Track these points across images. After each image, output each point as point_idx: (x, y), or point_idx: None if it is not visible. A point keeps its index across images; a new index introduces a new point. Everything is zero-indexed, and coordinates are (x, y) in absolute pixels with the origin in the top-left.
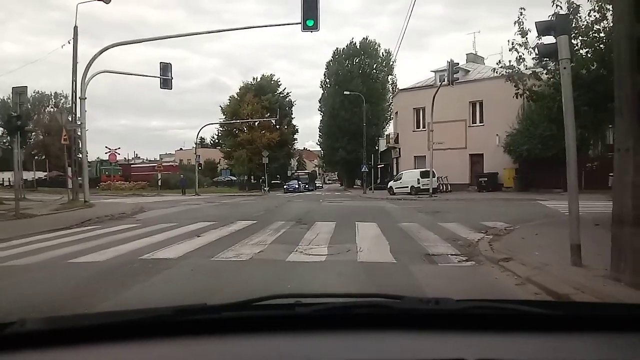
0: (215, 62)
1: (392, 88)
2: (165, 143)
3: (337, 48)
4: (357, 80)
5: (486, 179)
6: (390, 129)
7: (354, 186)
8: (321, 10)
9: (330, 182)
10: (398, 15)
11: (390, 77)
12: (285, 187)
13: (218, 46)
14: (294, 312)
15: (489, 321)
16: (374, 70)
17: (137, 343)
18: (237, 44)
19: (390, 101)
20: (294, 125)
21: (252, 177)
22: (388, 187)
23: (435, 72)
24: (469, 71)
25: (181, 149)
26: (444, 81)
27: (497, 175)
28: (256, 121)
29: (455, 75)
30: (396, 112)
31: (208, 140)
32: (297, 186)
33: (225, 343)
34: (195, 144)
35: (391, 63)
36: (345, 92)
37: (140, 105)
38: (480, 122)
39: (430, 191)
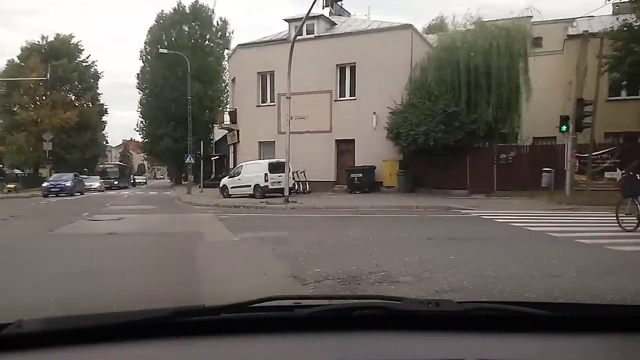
0: None
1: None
2: None
3: (161, 11)
4: (187, 52)
5: (360, 175)
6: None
7: (185, 182)
8: None
9: (161, 177)
10: None
11: (227, 51)
12: (45, 185)
13: None
14: (293, 314)
15: (488, 322)
16: (208, 42)
17: (135, 344)
18: None
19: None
20: (102, 105)
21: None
22: (220, 185)
23: (289, 21)
24: (337, 24)
25: None
26: (301, 34)
27: (374, 171)
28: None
29: (317, 27)
30: (233, 79)
31: None
32: (68, 184)
33: (224, 344)
34: None
35: (228, 35)
36: (161, 51)
37: None
38: (351, 95)
39: (286, 193)
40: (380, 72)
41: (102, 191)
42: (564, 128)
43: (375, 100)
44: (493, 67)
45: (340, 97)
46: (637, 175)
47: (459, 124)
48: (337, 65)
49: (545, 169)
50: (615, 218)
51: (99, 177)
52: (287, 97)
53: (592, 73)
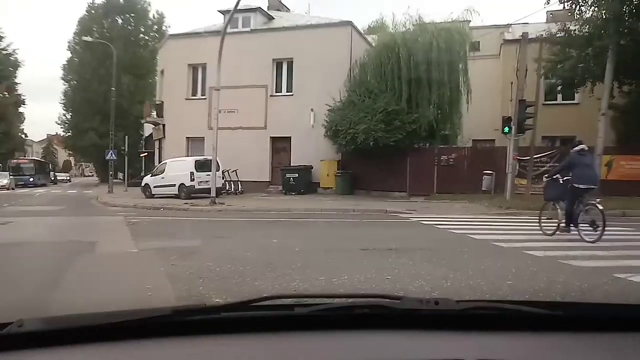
0: None
1: None
2: None
3: (92, 1)
4: (118, 44)
5: (296, 175)
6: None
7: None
8: None
9: (90, 174)
10: None
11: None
12: None
13: None
14: (293, 313)
15: (488, 321)
16: (142, 35)
17: (135, 343)
18: None
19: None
20: (19, 95)
21: None
22: (142, 184)
23: (224, 12)
24: (274, 19)
25: None
26: (237, 27)
27: (311, 171)
28: None
29: (254, 20)
30: (162, 71)
31: None
32: None
33: (225, 343)
34: None
35: (165, 28)
36: (85, 39)
37: None
38: (288, 91)
39: (213, 194)
40: (318, 69)
41: (12, 189)
42: (506, 129)
43: (313, 97)
44: (434, 66)
45: (276, 92)
46: (560, 179)
47: (399, 123)
48: (273, 60)
49: (486, 171)
50: (538, 222)
51: (7, 173)
52: (215, 89)
53: (530, 76)
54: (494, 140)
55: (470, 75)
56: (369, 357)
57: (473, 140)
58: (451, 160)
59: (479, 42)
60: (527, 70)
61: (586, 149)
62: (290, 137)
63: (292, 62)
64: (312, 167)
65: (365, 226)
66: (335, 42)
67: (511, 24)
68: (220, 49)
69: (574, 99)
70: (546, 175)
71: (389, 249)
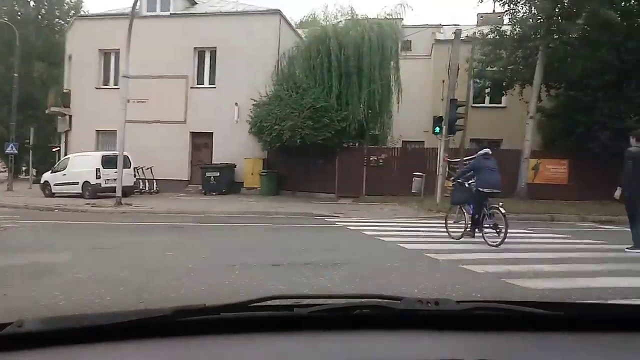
0: None
1: None
2: None
3: None
4: (29, 28)
5: (217, 173)
6: None
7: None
8: None
9: (4, 169)
10: None
11: None
12: None
13: None
14: (293, 313)
15: (488, 322)
16: (58, 20)
17: (135, 343)
18: None
19: None
20: None
21: None
22: (42, 182)
23: None
24: (197, 4)
25: None
26: (154, 10)
27: (234, 170)
28: None
29: (174, 4)
30: (69, 56)
31: None
32: None
33: (224, 343)
34: None
35: (84, 13)
36: None
37: None
38: (211, 83)
39: (119, 194)
40: (244, 60)
41: None
42: (437, 129)
43: (238, 90)
44: (365, 62)
45: (198, 84)
46: (465, 182)
47: (328, 120)
48: (195, 48)
49: (416, 173)
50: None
51: None
52: (124, 77)
53: (461, 77)
54: (424, 142)
55: (401, 75)
56: (369, 358)
57: (403, 141)
58: (381, 161)
59: (410, 41)
60: (458, 69)
61: (490, 152)
62: (212, 132)
63: (215, 51)
64: (235, 166)
65: (285, 232)
66: (263, 31)
67: (443, 25)
68: (129, 31)
69: (501, 103)
70: (452, 179)
71: (306, 264)
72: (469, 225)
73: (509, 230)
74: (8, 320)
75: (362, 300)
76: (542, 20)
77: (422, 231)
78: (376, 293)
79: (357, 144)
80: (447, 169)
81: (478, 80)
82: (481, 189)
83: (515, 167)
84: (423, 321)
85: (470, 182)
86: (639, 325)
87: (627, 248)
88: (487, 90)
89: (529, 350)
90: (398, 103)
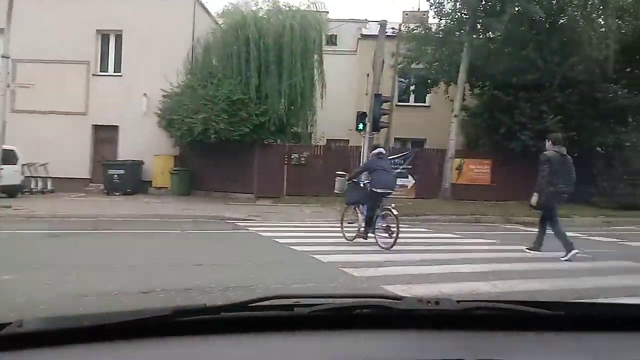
0: None
1: None
2: None
3: None
4: None
5: (122, 171)
6: None
7: None
8: None
9: None
10: None
11: None
12: None
13: None
14: (293, 313)
15: (489, 321)
16: None
17: (135, 343)
18: None
19: None
20: None
21: None
22: None
23: None
24: None
25: None
26: None
27: (141, 167)
28: None
29: None
30: None
31: None
32: None
33: (224, 343)
34: None
35: None
36: None
37: None
38: (115, 71)
39: None
40: (154, 46)
41: None
42: (360, 126)
43: (147, 80)
44: (286, 53)
45: (101, 71)
46: (360, 182)
47: (246, 114)
48: (98, 31)
49: (339, 172)
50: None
51: None
52: (3, 56)
53: (387, 73)
54: (349, 140)
55: (327, 70)
56: (369, 357)
57: (328, 139)
58: (303, 159)
59: (336, 36)
60: (383, 62)
61: (384, 152)
62: (117, 126)
63: (121, 35)
64: (142, 163)
65: (183, 241)
66: (175, 15)
67: (369, 21)
68: (10, 5)
69: (425, 102)
70: (347, 178)
71: (187, 289)
72: (363, 227)
73: (401, 231)
74: (7, 320)
75: (363, 300)
76: (467, 15)
77: (342, 238)
78: (377, 293)
79: (277, 141)
80: None
81: (403, 80)
82: (374, 189)
83: (440, 167)
84: (423, 321)
85: (365, 182)
86: (638, 325)
87: (526, 248)
88: (413, 88)
89: (529, 350)
90: (322, 98)
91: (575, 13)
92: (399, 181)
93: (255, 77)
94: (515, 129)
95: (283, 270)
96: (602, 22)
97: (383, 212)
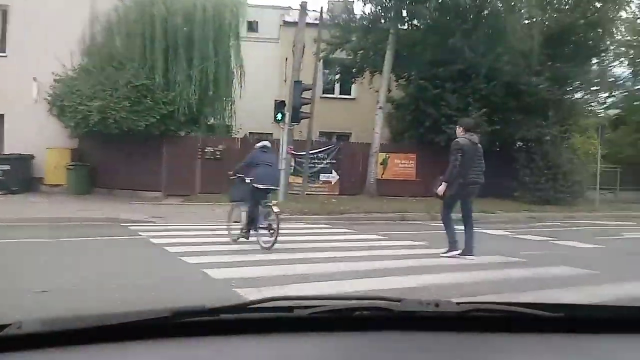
0: None
1: None
2: None
3: None
4: None
5: (7, 167)
6: None
7: None
8: None
9: None
10: None
11: None
12: None
13: None
14: (293, 314)
15: (489, 323)
16: None
17: (135, 344)
18: None
19: None
20: None
21: None
22: None
23: None
24: None
25: None
26: None
27: (30, 162)
28: None
29: None
30: None
31: None
32: None
33: (224, 345)
34: None
35: None
36: None
37: None
38: (0, 51)
39: None
40: (45, 23)
41: None
42: (279, 116)
43: (38, 62)
44: (197, 34)
45: None
46: (247, 178)
47: (151, 102)
48: None
49: (227, 174)
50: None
51: None
52: None
53: (310, 62)
54: (272, 134)
55: (247, 59)
56: (369, 359)
57: (251, 133)
58: (218, 153)
59: (257, 22)
60: (304, 47)
61: (269, 145)
62: (2, 115)
63: (6, 10)
64: (32, 157)
65: (51, 254)
66: None
67: (292, 9)
68: None
69: (351, 94)
70: (230, 173)
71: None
72: (245, 225)
73: (280, 230)
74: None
75: (362, 301)
76: (391, 1)
77: (247, 241)
78: (377, 295)
79: (190, 133)
80: (292, 163)
81: (328, 70)
82: (256, 185)
83: (365, 162)
84: (423, 322)
85: (249, 177)
86: (638, 326)
87: (442, 254)
88: (337, 77)
89: (528, 352)
90: (241, 87)
91: (499, 4)
92: (323, 177)
93: (161, 60)
94: (441, 121)
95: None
96: (526, 14)
97: (266, 210)
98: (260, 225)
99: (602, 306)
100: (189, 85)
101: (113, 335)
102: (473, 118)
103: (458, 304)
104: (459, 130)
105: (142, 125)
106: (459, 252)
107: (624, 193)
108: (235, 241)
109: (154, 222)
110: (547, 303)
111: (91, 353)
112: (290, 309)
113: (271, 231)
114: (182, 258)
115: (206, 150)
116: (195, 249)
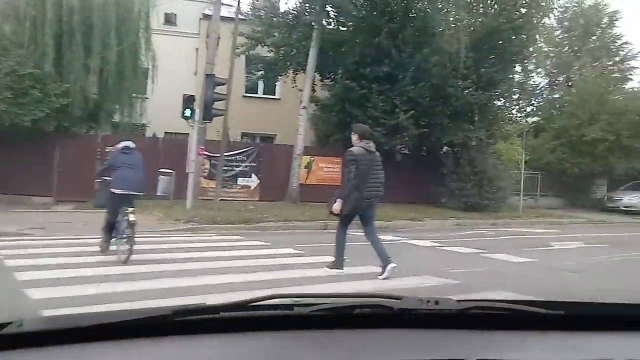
0: None
1: None
2: None
3: None
4: None
5: None
6: None
7: None
8: None
9: None
10: None
11: None
12: None
13: None
14: (293, 312)
15: (489, 321)
16: None
17: (135, 343)
18: None
19: None
20: None
21: None
22: None
23: None
24: None
25: None
26: None
27: None
28: None
29: None
30: None
31: None
32: None
33: (224, 343)
34: None
35: None
36: None
37: None
38: None
39: None
40: None
41: None
42: (187, 112)
43: None
44: (96, 19)
45: None
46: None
47: (40, 94)
48: None
49: (162, 170)
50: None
51: None
52: None
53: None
54: (189, 134)
55: (163, 53)
56: (369, 357)
57: (166, 132)
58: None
59: (175, 15)
60: (219, 38)
61: (132, 146)
62: None
63: None
64: None
65: None
66: None
67: (211, 1)
68: None
69: (275, 94)
70: (96, 175)
71: None
72: (104, 235)
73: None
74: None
75: (363, 299)
76: None
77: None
78: (377, 293)
79: (89, 131)
80: (207, 166)
81: (251, 74)
82: (113, 190)
83: (288, 165)
84: (423, 320)
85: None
86: (638, 324)
87: (327, 266)
88: (260, 74)
89: (529, 350)
90: (153, 83)
91: (427, 3)
92: (241, 181)
93: (52, 46)
94: (368, 123)
95: None
96: (453, 16)
97: (124, 218)
98: (122, 236)
99: (601, 304)
100: (86, 76)
101: (113, 333)
102: (400, 121)
103: (458, 301)
104: (354, 138)
105: (29, 120)
106: (341, 271)
107: (543, 199)
108: (102, 252)
109: (28, 235)
110: (547, 301)
111: (91, 351)
112: (290, 306)
113: (130, 242)
114: (15, 274)
115: (107, 150)
116: (61, 274)
